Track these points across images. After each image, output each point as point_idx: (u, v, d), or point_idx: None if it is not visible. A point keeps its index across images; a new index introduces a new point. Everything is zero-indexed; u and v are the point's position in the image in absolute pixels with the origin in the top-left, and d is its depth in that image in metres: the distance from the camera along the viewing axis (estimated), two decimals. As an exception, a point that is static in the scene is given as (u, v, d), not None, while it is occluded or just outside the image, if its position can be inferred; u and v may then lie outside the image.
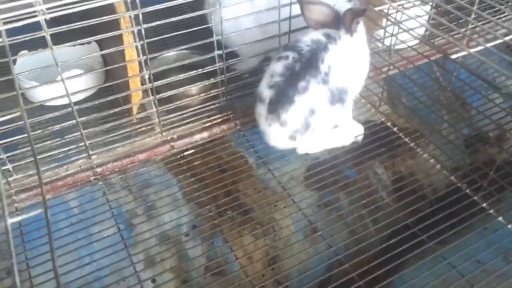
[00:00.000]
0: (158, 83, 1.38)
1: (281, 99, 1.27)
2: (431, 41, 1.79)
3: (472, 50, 1.20)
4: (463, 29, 1.73)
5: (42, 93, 1.50)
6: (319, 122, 1.31)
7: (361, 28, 1.37)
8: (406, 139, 1.53)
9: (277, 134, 1.34)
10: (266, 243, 1.28)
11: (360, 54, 1.39)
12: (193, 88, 1.53)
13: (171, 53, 1.67)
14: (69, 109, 1.26)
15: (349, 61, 1.34)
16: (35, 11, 1.01)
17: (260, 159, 1.43)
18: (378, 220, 1.29)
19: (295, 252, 1.25)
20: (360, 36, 1.37)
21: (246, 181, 1.39)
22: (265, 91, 1.31)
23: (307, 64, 1.28)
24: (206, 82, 1.50)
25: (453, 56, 1.28)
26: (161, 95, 1.42)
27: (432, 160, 1.46)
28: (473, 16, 1.43)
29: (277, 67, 1.31)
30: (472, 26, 1.66)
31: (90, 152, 1.39)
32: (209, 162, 1.42)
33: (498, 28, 1.65)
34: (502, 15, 1.81)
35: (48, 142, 1.40)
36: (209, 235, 1.27)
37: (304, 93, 1.27)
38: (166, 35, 1.34)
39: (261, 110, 1.33)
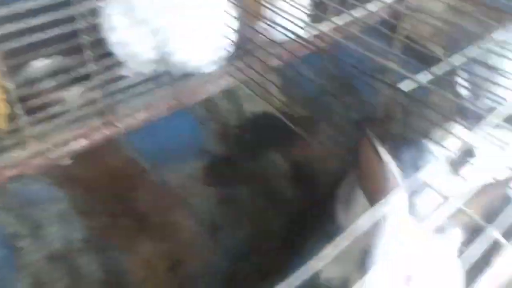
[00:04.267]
0: (27, 91, 1.26)
1: None
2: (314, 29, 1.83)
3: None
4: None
5: None
6: None
7: None
8: (300, 128, 1.54)
9: None
10: (166, 247, 1.23)
11: None
12: (68, 93, 1.40)
13: (40, 58, 1.54)
14: None
15: None
16: None
17: (154, 162, 1.37)
18: (278, 210, 1.29)
19: (198, 252, 1.21)
20: None
21: (141, 186, 1.33)
22: None
23: None
24: (82, 86, 1.38)
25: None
26: (31, 102, 1.28)
27: (325, 147, 1.49)
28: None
29: None
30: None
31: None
32: (98, 170, 1.33)
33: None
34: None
35: None
36: (104, 247, 1.19)
37: None
38: (34, 39, 1.22)
39: None
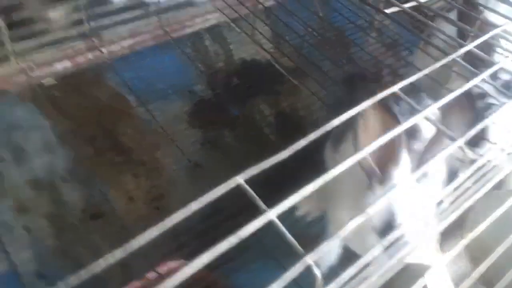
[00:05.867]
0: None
1: None
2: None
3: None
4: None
5: None
6: None
7: None
8: (290, 77, 1.54)
9: None
10: (149, 183, 1.25)
11: None
12: (53, 12, 1.34)
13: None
14: None
15: None
16: None
17: (140, 99, 1.37)
18: (261, 156, 1.31)
19: (179, 191, 1.24)
20: None
21: (127, 122, 1.33)
22: None
23: None
24: (68, 6, 1.32)
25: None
26: (15, 15, 1.23)
27: (314, 97, 1.49)
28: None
29: None
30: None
31: None
32: (85, 102, 1.33)
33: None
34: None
35: None
36: (87, 178, 1.21)
37: None
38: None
39: None
